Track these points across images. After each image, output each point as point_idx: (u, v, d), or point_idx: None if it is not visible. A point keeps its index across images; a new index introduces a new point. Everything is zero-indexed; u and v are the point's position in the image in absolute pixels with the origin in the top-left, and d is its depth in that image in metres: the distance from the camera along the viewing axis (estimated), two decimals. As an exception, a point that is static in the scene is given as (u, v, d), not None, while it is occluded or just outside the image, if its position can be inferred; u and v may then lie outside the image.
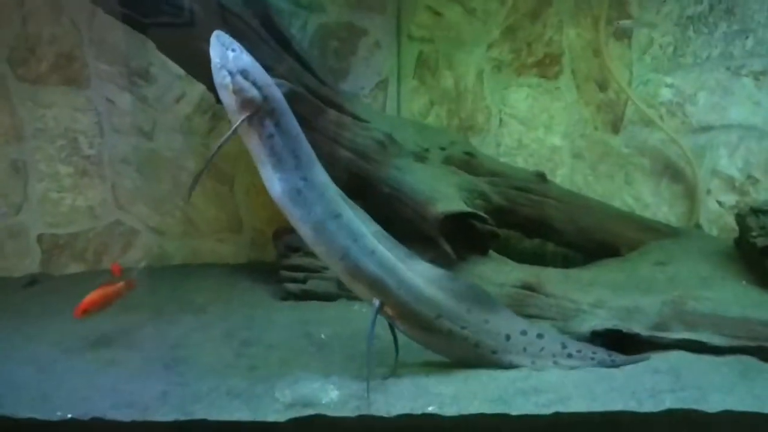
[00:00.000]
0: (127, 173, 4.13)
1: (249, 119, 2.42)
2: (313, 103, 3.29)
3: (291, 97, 3.08)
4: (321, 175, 2.53)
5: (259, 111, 2.41)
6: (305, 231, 2.50)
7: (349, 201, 2.62)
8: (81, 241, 4.16)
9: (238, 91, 2.41)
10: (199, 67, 3.25)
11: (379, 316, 2.56)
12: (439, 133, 3.83)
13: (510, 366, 2.58)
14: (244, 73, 2.41)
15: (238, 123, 2.42)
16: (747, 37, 3.78)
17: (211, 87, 3.27)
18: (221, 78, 2.44)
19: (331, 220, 2.49)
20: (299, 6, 4.02)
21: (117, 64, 3.99)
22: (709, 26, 3.83)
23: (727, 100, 3.87)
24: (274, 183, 2.46)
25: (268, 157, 2.44)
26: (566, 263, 3.71)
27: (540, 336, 2.62)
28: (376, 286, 2.53)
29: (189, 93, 4.04)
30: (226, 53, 2.44)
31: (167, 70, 3.95)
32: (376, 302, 2.53)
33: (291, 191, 2.45)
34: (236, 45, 2.47)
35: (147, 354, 2.88)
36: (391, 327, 2.63)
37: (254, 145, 2.46)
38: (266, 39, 3.21)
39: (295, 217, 2.48)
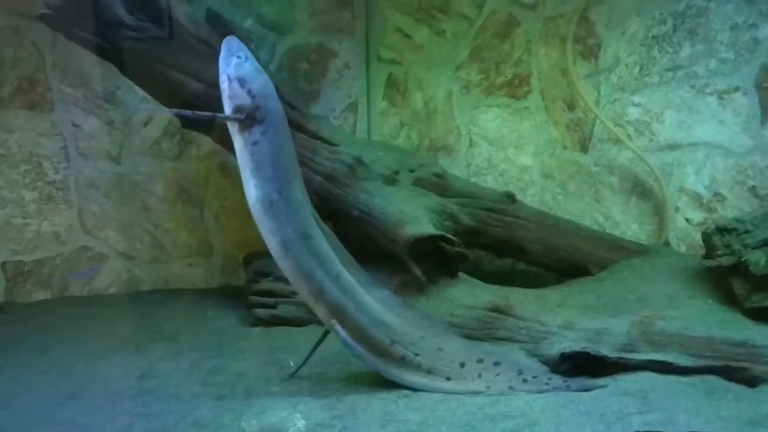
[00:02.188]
0: (94, 198, 4.08)
1: (239, 123, 2.50)
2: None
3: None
4: (298, 193, 2.58)
5: (248, 118, 2.49)
6: (273, 244, 2.56)
7: (322, 223, 2.68)
8: (47, 267, 4.09)
9: (232, 97, 2.52)
10: (164, 92, 3.25)
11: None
12: (409, 155, 3.84)
13: (465, 391, 2.59)
14: (241, 81, 2.52)
15: (223, 117, 2.53)
16: (710, 57, 3.83)
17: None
18: (221, 82, 2.57)
19: (301, 239, 2.55)
20: (269, 28, 4.02)
21: (82, 87, 3.96)
22: (673, 46, 3.88)
23: (692, 118, 3.91)
24: (250, 188, 2.54)
25: (248, 162, 2.53)
26: (538, 282, 3.72)
27: (497, 364, 2.65)
28: (337, 310, 2.60)
29: (157, 116, 4.01)
30: (230, 59, 2.56)
31: (134, 93, 3.92)
32: (337, 326, 2.59)
33: (264, 200, 2.52)
34: (243, 52, 2.58)
35: (112, 385, 2.81)
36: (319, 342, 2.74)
37: (238, 147, 2.55)
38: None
39: (265, 227, 2.55)
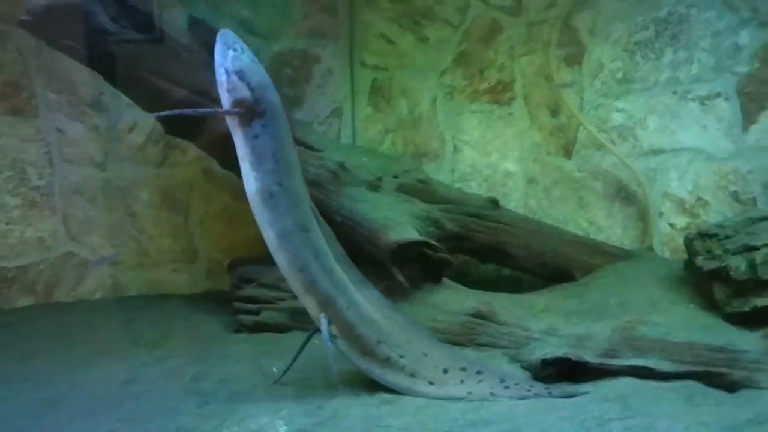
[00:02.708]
0: (78, 204, 4.07)
1: (238, 117, 2.49)
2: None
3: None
4: (298, 186, 2.59)
5: (248, 111, 2.47)
6: (270, 235, 2.55)
7: (320, 218, 2.70)
8: (31, 273, 4.08)
9: (231, 90, 2.49)
10: (148, 98, 3.25)
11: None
12: (393, 161, 3.84)
13: (447, 396, 2.60)
14: (240, 74, 2.49)
15: (223, 111, 2.52)
16: (692, 63, 3.86)
17: (162, 119, 3.31)
18: (219, 75, 2.53)
19: (298, 231, 2.55)
20: (252, 34, 4.02)
21: (66, 93, 3.95)
22: (656, 52, 3.91)
23: (675, 124, 3.94)
24: (250, 181, 2.52)
25: (248, 155, 2.51)
26: (523, 287, 3.73)
27: (479, 372, 2.65)
28: (327, 303, 2.60)
29: (141, 122, 4.00)
30: (227, 52, 2.53)
31: (119, 99, 3.90)
32: (324, 319, 2.59)
33: (264, 192, 2.51)
34: (239, 44, 2.56)
35: (95, 392, 2.81)
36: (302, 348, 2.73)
37: (238, 141, 2.53)
38: (214, 70, 3.18)
39: (263, 218, 2.54)
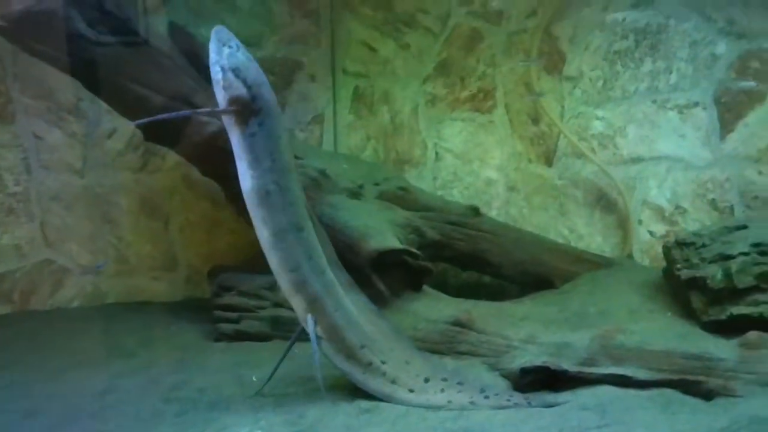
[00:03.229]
0: (56, 211, 4.03)
1: (235, 115, 2.47)
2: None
3: (219, 134, 3.09)
4: (294, 185, 2.58)
5: (245, 109, 2.46)
6: (264, 233, 2.54)
7: (315, 218, 2.71)
8: (7, 281, 4.02)
9: (227, 88, 2.47)
10: (127, 105, 3.23)
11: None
12: (374, 169, 3.85)
13: (426, 404, 2.60)
14: (236, 71, 2.47)
15: (222, 110, 2.49)
16: (671, 72, 3.90)
17: (140, 125, 3.28)
18: (215, 73, 2.50)
19: (293, 231, 2.55)
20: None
21: (44, 99, 3.90)
22: (635, 61, 3.94)
23: (654, 132, 3.97)
24: (246, 179, 2.51)
25: (246, 153, 2.49)
26: (503, 295, 3.74)
27: (460, 383, 2.66)
28: (316, 305, 2.60)
29: (120, 129, 3.96)
30: (222, 49, 2.51)
31: (97, 105, 3.87)
32: (311, 320, 2.58)
33: (260, 191, 2.50)
34: (234, 42, 2.53)
35: (71, 402, 2.77)
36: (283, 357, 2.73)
37: (235, 140, 2.51)
38: (194, 76, 3.18)
39: (258, 216, 2.53)
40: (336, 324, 2.63)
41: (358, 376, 2.66)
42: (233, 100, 2.47)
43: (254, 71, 2.51)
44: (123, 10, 3.04)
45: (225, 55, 2.49)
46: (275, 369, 2.76)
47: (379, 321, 2.81)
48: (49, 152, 3.98)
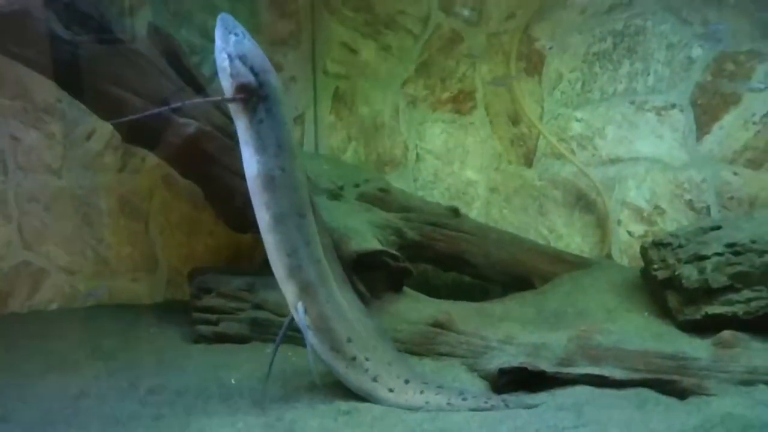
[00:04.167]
0: (34, 212, 3.99)
1: (243, 102, 2.47)
2: (221, 141, 3.24)
3: (199, 136, 3.08)
4: (298, 171, 2.59)
5: (253, 96, 2.47)
6: (265, 216, 2.54)
7: (316, 207, 2.73)
8: (-15, 284, 3.99)
9: (235, 75, 2.47)
10: (105, 107, 3.19)
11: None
12: (354, 170, 3.86)
13: (404, 405, 2.61)
14: (243, 58, 2.49)
15: (230, 99, 2.49)
16: (648, 74, 3.93)
17: (118, 127, 3.26)
18: (221, 60, 2.51)
19: (294, 216, 2.56)
20: (212, 41, 3.97)
21: (21, 99, 3.87)
22: (613, 63, 3.97)
23: (633, 133, 4.00)
24: (252, 164, 2.51)
25: (252, 140, 2.50)
26: (484, 295, 3.76)
27: (440, 386, 2.67)
28: (308, 291, 2.60)
29: (99, 129, 3.93)
30: (228, 37, 2.52)
31: (76, 105, 3.84)
32: (301, 307, 2.58)
33: (266, 176, 2.50)
34: (240, 29, 2.55)
35: (46, 406, 2.75)
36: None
37: (242, 127, 2.52)
38: (173, 78, 3.16)
39: (261, 200, 2.53)
40: (326, 314, 2.63)
41: (341, 369, 2.67)
42: (241, 87, 2.48)
43: (260, 58, 2.53)
44: (99, 11, 3.01)
45: (232, 42, 2.51)
46: (270, 367, 2.71)
47: (366, 319, 2.83)
48: (26, 153, 3.95)
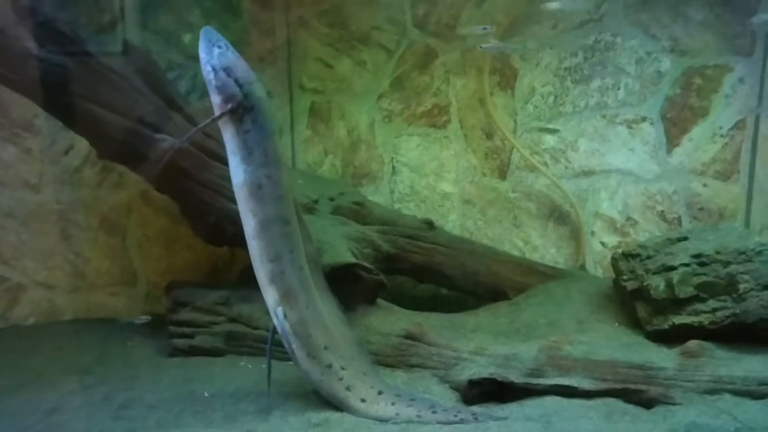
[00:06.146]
0: (11, 227, 3.99)
1: (230, 113, 2.53)
2: (197, 156, 3.27)
3: (175, 153, 3.10)
4: (284, 179, 2.63)
5: (239, 107, 2.52)
6: (251, 224, 2.59)
7: (301, 215, 2.77)
8: (-39, 299, 3.98)
9: (220, 87, 2.54)
10: (80, 124, 3.21)
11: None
12: (329, 184, 3.89)
13: (375, 415, 2.64)
14: (227, 70, 2.54)
15: (219, 116, 2.55)
16: (619, 88, 4.00)
17: (95, 143, 3.28)
18: (206, 73, 2.57)
19: (279, 223, 2.61)
20: (192, 58, 4.01)
21: (-3, 115, 3.88)
22: (584, 77, 4.04)
23: (605, 146, 4.07)
24: (239, 173, 2.57)
25: (239, 149, 2.56)
26: (459, 307, 3.79)
27: (412, 399, 2.70)
28: (289, 297, 2.64)
29: (77, 145, 3.95)
30: (212, 49, 2.57)
31: (53, 121, 3.84)
32: (280, 312, 2.62)
33: (253, 184, 2.56)
34: (223, 42, 2.59)
35: (19, 422, 2.75)
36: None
37: (229, 136, 2.58)
38: (148, 95, 3.18)
39: (247, 208, 2.59)
40: (305, 320, 2.67)
41: (316, 376, 2.71)
42: (226, 99, 2.53)
43: (244, 69, 2.58)
44: (74, 28, 3.03)
45: (215, 55, 2.56)
46: (268, 377, 2.75)
47: (344, 329, 2.86)
48: (3, 168, 3.94)
